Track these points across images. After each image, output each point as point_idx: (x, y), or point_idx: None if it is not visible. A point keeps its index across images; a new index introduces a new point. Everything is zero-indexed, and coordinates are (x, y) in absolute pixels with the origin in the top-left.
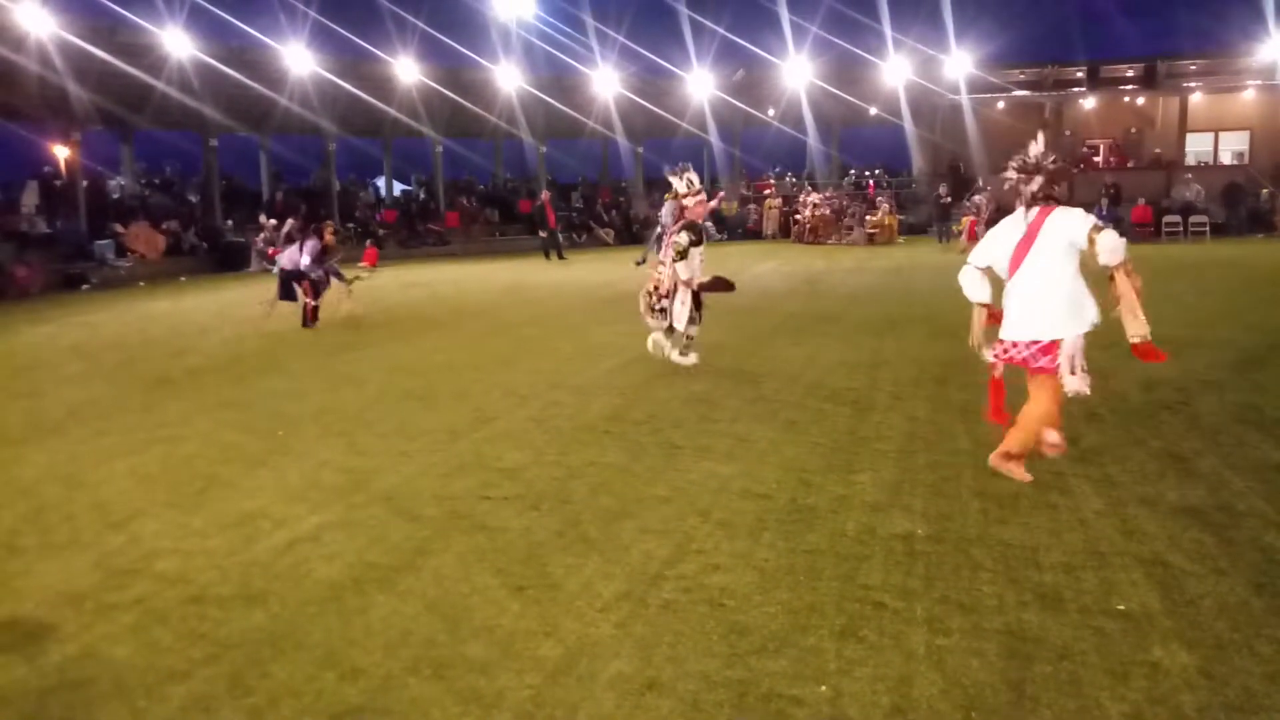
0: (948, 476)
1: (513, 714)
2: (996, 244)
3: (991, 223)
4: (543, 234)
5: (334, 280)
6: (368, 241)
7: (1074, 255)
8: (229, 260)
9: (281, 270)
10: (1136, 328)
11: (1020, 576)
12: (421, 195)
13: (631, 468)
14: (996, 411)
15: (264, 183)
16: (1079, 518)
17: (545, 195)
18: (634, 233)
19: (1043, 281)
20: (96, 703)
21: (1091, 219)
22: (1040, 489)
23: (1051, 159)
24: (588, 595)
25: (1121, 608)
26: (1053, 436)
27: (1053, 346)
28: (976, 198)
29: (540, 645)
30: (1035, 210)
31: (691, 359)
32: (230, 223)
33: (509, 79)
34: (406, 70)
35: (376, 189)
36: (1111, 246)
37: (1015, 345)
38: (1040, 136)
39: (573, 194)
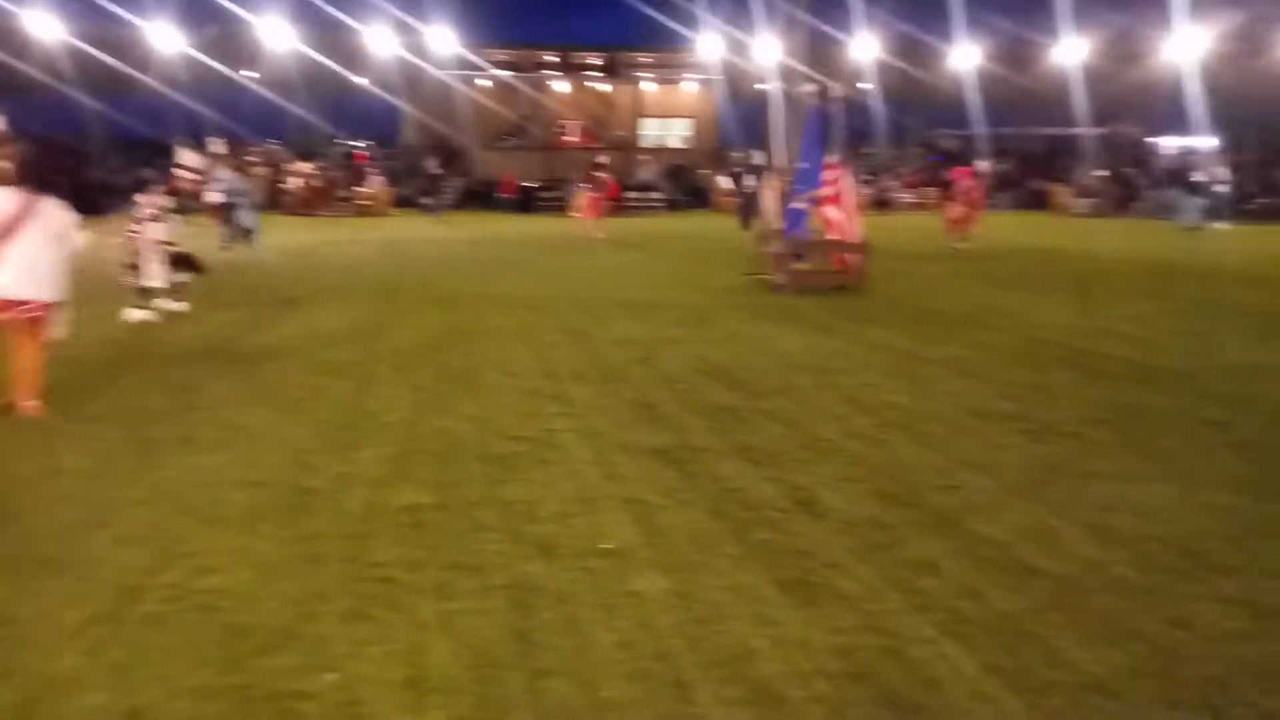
0: (453, 444)
1: None
2: None
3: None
4: None
5: None
6: None
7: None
8: None
9: None
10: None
11: (521, 531)
12: None
13: (100, 471)
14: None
15: None
16: (570, 468)
17: None
18: (88, 199)
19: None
20: None
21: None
22: (537, 446)
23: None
24: (48, 625)
25: (609, 546)
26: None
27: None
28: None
29: None
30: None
31: (146, 315)
32: None
33: None
34: None
35: None
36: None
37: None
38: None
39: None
